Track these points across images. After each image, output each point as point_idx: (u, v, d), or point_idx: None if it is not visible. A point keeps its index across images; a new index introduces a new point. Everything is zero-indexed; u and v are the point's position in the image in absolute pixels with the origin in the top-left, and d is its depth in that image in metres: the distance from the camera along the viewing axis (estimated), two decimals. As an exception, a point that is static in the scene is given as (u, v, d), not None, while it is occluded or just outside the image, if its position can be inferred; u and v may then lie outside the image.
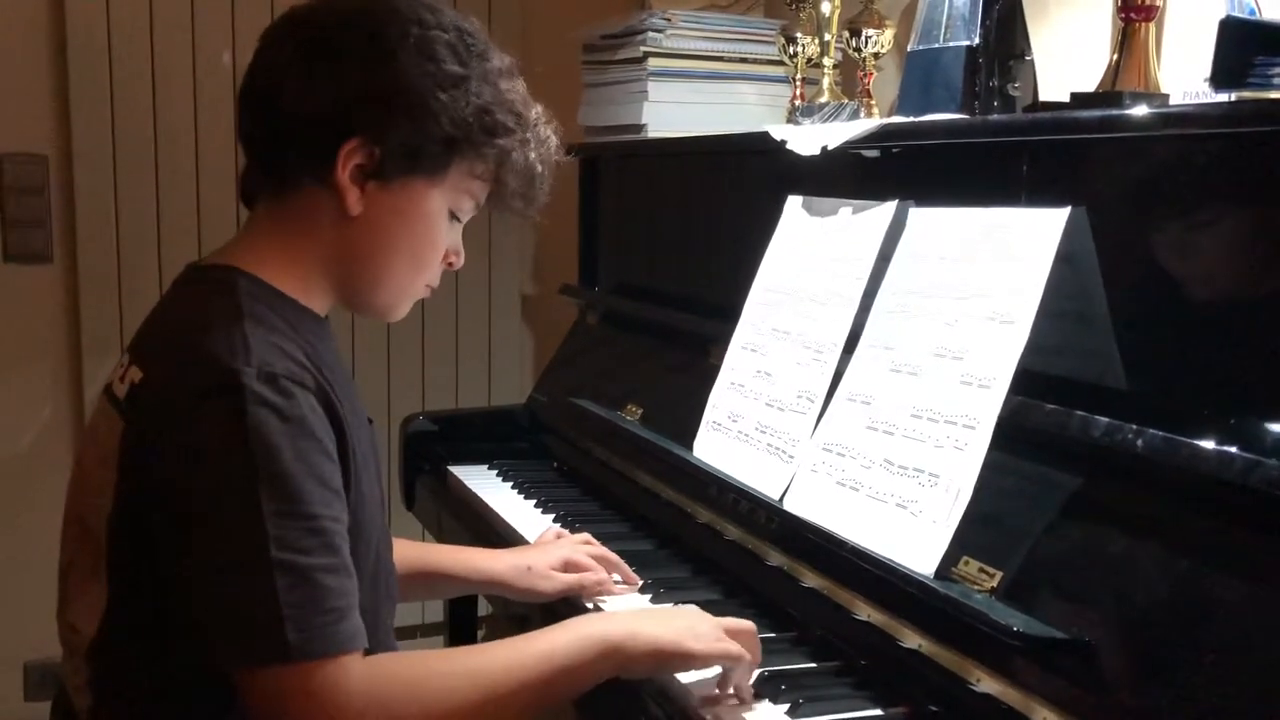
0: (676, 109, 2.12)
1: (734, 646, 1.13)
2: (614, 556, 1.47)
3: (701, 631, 1.13)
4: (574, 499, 1.82)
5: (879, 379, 1.30)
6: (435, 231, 1.15)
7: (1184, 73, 1.33)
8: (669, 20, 2.11)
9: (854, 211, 1.47)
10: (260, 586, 0.96)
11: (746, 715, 1.13)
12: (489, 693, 1.04)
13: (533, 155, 1.16)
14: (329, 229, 1.11)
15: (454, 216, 1.17)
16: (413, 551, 1.43)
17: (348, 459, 1.07)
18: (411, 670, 1.05)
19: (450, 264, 1.20)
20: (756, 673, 1.17)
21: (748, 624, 1.17)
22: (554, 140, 1.19)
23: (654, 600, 1.41)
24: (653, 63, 2.10)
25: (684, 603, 1.37)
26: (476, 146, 1.12)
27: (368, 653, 1.03)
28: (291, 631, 0.96)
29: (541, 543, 1.53)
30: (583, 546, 1.48)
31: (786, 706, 1.13)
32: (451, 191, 1.15)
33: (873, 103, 1.81)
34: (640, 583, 1.46)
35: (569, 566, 1.44)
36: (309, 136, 1.08)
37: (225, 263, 1.12)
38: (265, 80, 1.11)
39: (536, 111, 1.17)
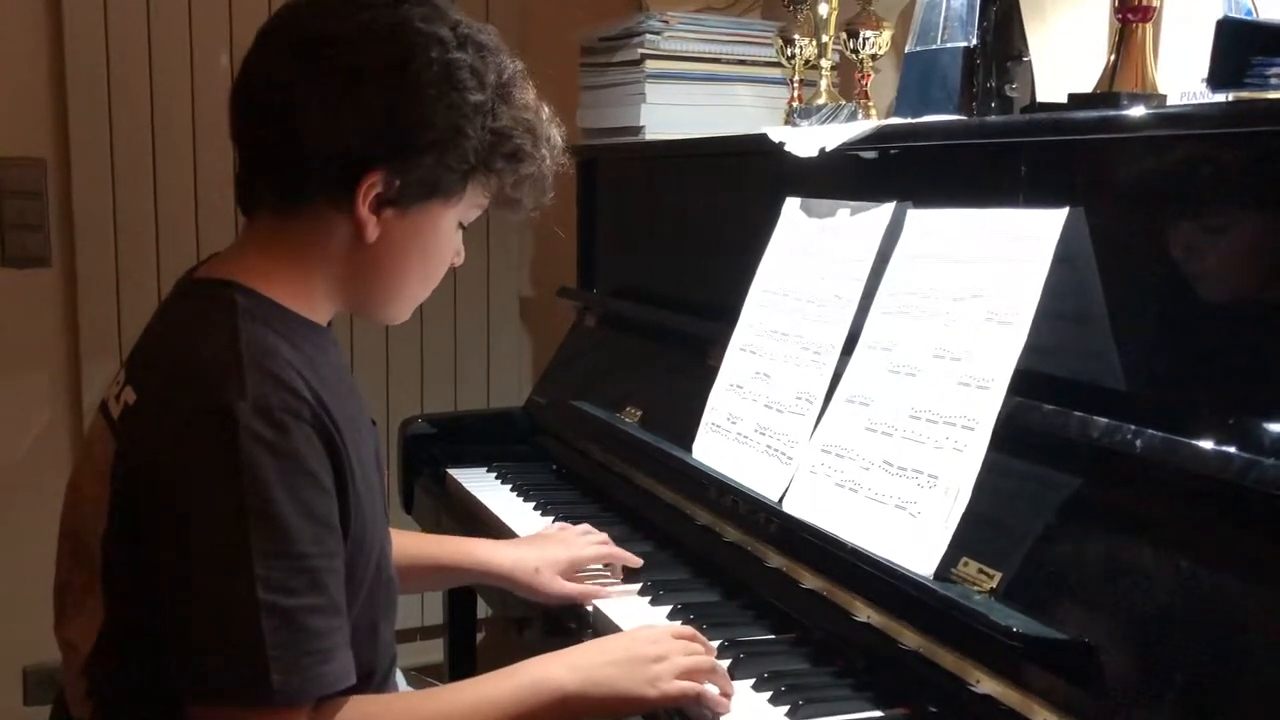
0: (674, 111, 2.12)
1: (689, 687, 1.13)
2: (615, 549, 1.50)
3: (661, 671, 1.13)
4: (573, 501, 1.82)
5: (877, 380, 1.30)
6: (446, 246, 1.15)
7: (1181, 73, 1.32)
8: (666, 22, 2.11)
9: (852, 213, 1.47)
10: (246, 627, 0.95)
11: (748, 718, 1.14)
12: None
13: (544, 166, 1.15)
14: (341, 252, 1.09)
15: (460, 225, 1.17)
16: (416, 543, 1.43)
17: (346, 485, 1.05)
18: (385, 714, 1.06)
19: (452, 264, 1.20)
20: (755, 674, 1.18)
21: (706, 652, 1.18)
22: (560, 142, 1.18)
23: (653, 603, 1.41)
24: (650, 65, 2.10)
25: (683, 604, 1.38)
26: (496, 173, 1.11)
27: (369, 662, 1.03)
28: (276, 673, 0.95)
29: (544, 536, 1.54)
30: (584, 538, 1.50)
31: (786, 708, 1.13)
32: (464, 208, 1.14)
33: (870, 104, 1.81)
34: (640, 563, 1.49)
35: (575, 565, 1.45)
36: (329, 167, 1.05)
37: (223, 276, 1.08)
38: (273, 94, 1.07)
39: (545, 116, 1.16)
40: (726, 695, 1.16)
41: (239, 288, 1.07)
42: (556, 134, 1.17)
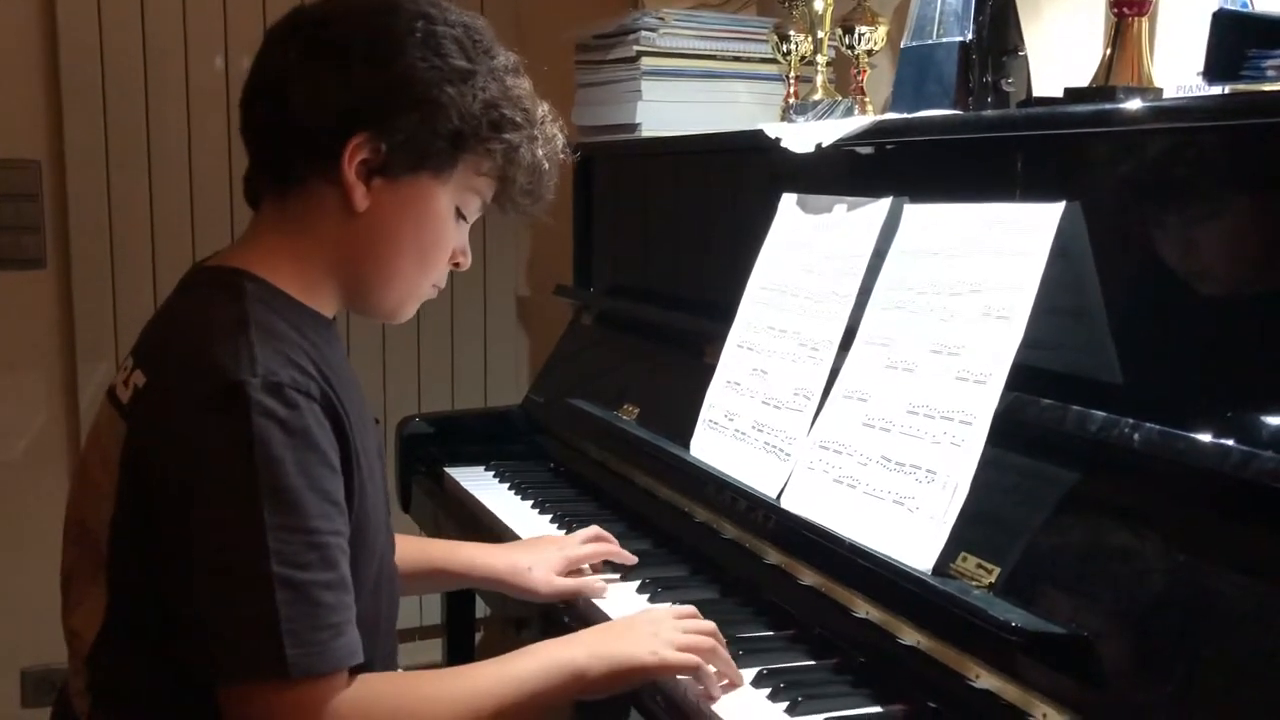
0: (670, 108, 2.12)
1: (689, 658, 1.14)
2: (610, 546, 1.50)
3: (659, 644, 1.14)
4: (571, 499, 1.82)
5: (875, 376, 1.29)
6: (442, 230, 1.14)
7: (1177, 66, 1.32)
8: (662, 19, 2.11)
9: (848, 208, 1.47)
10: (260, 601, 0.95)
11: (747, 714, 1.13)
12: (469, 717, 1.06)
13: (540, 152, 1.15)
14: (335, 227, 1.10)
15: (461, 216, 1.16)
16: (411, 547, 1.43)
17: (351, 468, 1.06)
18: (398, 692, 1.07)
19: (457, 265, 1.19)
20: (753, 671, 1.18)
21: (707, 625, 1.20)
22: (560, 139, 1.19)
23: (651, 600, 1.40)
24: (646, 62, 2.10)
25: (682, 602, 1.37)
26: (484, 142, 1.11)
27: (369, 659, 1.03)
28: (290, 647, 0.95)
29: (538, 539, 1.54)
30: (584, 545, 1.49)
31: (786, 704, 1.13)
32: (458, 189, 1.14)
33: (866, 100, 1.81)
34: (634, 561, 1.49)
35: (570, 564, 1.45)
36: (316, 133, 1.07)
37: (231, 264, 1.10)
38: (270, 79, 1.10)
39: (543, 109, 1.17)
40: (730, 678, 1.17)
41: (247, 275, 1.09)
42: (556, 130, 1.18)
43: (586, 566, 1.48)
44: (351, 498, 1.06)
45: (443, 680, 1.13)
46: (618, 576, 1.48)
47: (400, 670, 1.29)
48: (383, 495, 1.18)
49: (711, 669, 1.16)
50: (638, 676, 1.14)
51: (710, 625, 1.20)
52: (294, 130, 1.08)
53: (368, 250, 1.12)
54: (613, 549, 1.49)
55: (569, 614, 1.42)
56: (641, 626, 1.18)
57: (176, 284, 1.15)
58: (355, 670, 1.02)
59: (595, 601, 1.41)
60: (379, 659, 1.16)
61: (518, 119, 1.12)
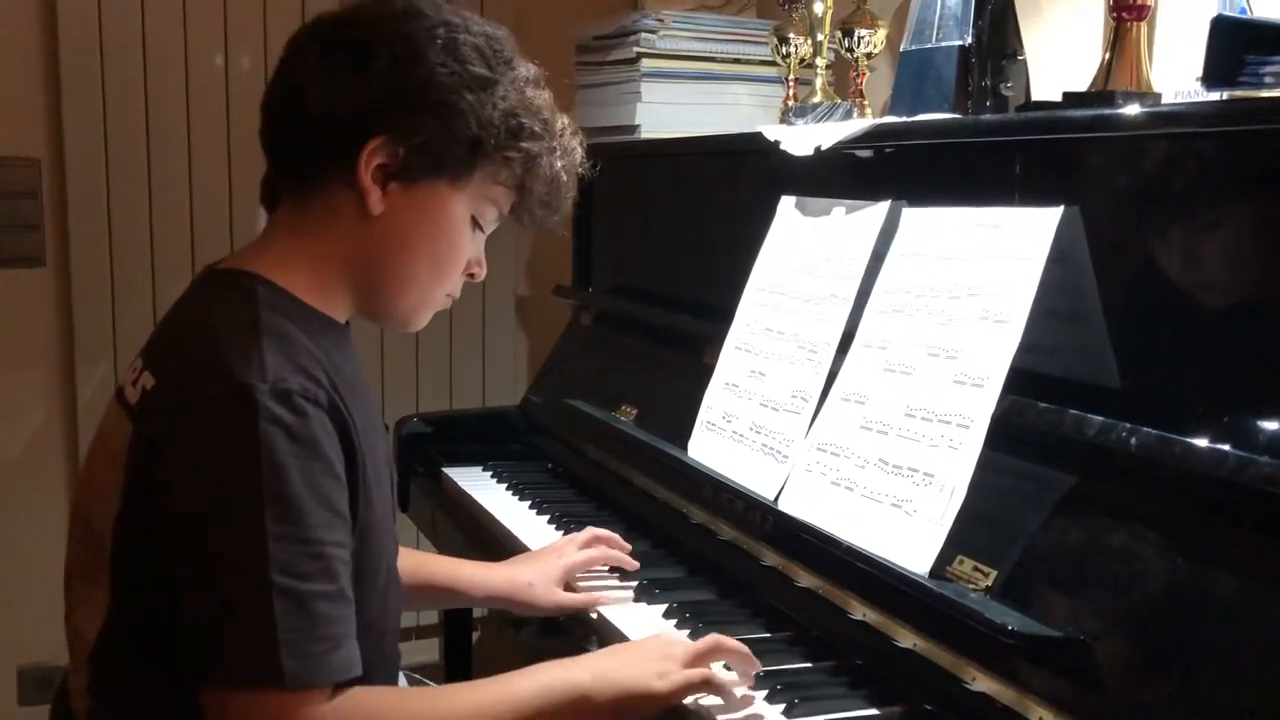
0: (669, 110, 2.12)
1: (698, 672, 1.12)
2: (609, 550, 1.48)
3: (668, 666, 1.12)
4: (569, 500, 1.82)
5: (873, 378, 1.30)
6: (457, 237, 1.14)
7: (1176, 72, 1.33)
8: (661, 21, 2.11)
9: (847, 211, 1.47)
10: (258, 609, 0.95)
11: (743, 716, 1.14)
12: None
13: (559, 164, 1.15)
14: (350, 230, 1.10)
15: (477, 225, 1.15)
16: (410, 562, 1.42)
17: (357, 478, 1.06)
18: (390, 706, 1.05)
19: (472, 275, 1.19)
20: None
21: (727, 644, 1.17)
22: (579, 152, 1.18)
23: (649, 602, 1.41)
24: (645, 63, 2.11)
25: (679, 602, 1.38)
26: (502, 150, 1.10)
27: (375, 662, 1.03)
28: (286, 657, 0.95)
29: (537, 551, 1.52)
30: (575, 543, 1.48)
31: (782, 706, 1.13)
32: (475, 198, 1.13)
33: (865, 103, 1.82)
34: (636, 566, 1.48)
35: (570, 572, 1.44)
36: (333, 135, 1.07)
37: (245, 268, 1.10)
38: (291, 81, 1.10)
39: (563, 122, 1.16)
40: (748, 674, 1.16)
41: (260, 279, 1.08)
42: (575, 143, 1.17)
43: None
44: (356, 507, 1.05)
45: (437, 696, 1.11)
46: (615, 578, 1.48)
47: (401, 671, 1.29)
48: (390, 502, 1.18)
49: (726, 676, 1.14)
50: (649, 704, 1.11)
51: (709, 642, 1.18)
52: (312, 132, 1.08)
53: (382, 255, 1.11)
54: (613, 553, 1.48)
55: (570, 618, 1.42)
56: (649, 651, 1.15)
57: (188, 286, 1.15)
58: (352, 682, 1.01)
59: (596, 607, 1.41)
60: (385, 662, 1.15)
61: (537, 129, 1.11)
